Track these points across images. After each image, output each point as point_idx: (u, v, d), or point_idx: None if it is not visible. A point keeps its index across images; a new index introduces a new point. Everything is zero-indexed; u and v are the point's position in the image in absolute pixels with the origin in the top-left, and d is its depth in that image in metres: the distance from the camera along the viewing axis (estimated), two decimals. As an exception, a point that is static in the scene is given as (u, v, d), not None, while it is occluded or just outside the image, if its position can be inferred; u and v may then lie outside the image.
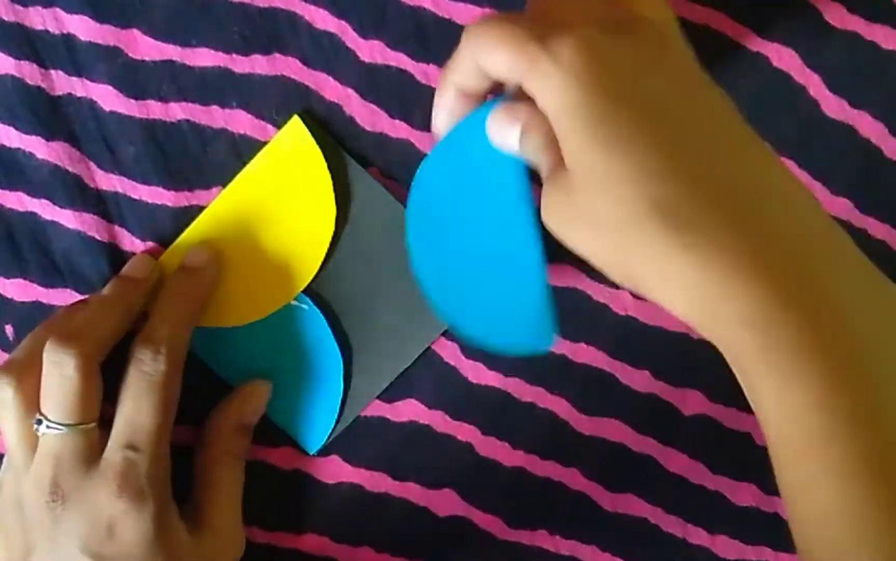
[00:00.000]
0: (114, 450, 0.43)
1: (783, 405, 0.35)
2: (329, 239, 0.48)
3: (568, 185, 0.37)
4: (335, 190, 0.47)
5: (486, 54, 0.37)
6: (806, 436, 0.34)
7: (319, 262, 0.48)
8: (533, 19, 0.37)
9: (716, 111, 0.37)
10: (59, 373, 0.42)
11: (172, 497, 0.45)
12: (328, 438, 0.49)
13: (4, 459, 0.45)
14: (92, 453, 0.43)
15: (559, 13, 0.37)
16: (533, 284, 0.42)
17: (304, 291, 0.48)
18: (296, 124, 0.47)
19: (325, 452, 0.50)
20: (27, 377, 0.43)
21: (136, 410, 0.43)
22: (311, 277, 0.48)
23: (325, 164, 0.47)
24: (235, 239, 0.47)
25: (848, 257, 0.36)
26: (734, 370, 0.36)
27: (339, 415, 0.49)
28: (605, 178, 0.35)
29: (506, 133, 0.40)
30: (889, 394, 0.34)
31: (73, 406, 0.42)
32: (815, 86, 0.49)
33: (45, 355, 0.42)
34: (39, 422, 0.43)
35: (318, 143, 0.47)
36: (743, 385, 0.36)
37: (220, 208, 0.47)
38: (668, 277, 0.35)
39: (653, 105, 0.36)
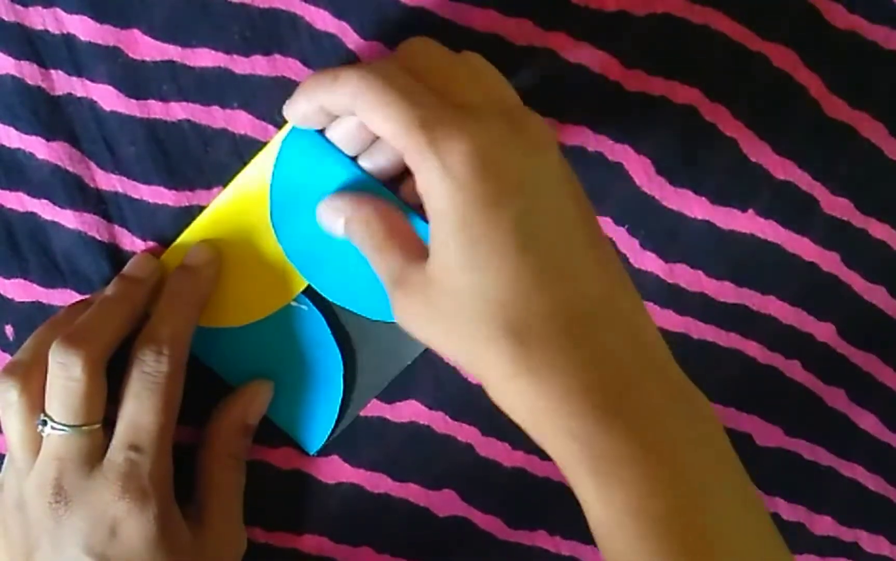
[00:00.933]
0: (116, 450, 0.43)
1: (608, 508, 0.37)
2: None
3: (426, 285, 0.38)
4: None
5: (371, 117, 0.38)
6: (628, 537, 0.37)
7: None
8: (433, 86, 0.39)
9: (585, 233, 0.39)
10: (66, 375, 0.42)
11: (174, 498, 0.45)
12: (328, 438, 0.49)
13: (6, 461, 0.45)
14: (95, 454, 0.43)
15: (462, 86, 0.39)
16: None
17: (304, 292, 0.48)
18: (294, 132, 0.47)
19: (325, 452, 0.50)
20: (32, 379, 0.43)
21: (139, 410, 0.43)
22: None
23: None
24: (235, 240, 0.47)
25: (668, 372, 0.39)
26: (566, 476, 0.38)
27: (340, 415, 0.49)
28: (470, 293, 0.37)
29: (332, 222, 0.44)
30: (703, 496, 0.38)
31: (79, 407, 0.42)
32: (815, 86, 0.49)
33: (51, 357, 0.42)
34: (45, 423, 0.42)
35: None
36: (574, 489, 0.38)
37: (220, 209, 0.47)
38: (510, 391, 0.38)
39: (529, 227, 0.37)
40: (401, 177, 0.45)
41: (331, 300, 0.47)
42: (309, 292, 0.48)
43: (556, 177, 0.39)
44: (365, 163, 0.44)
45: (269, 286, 0.47)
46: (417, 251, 0.40)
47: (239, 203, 0.47)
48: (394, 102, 0.37)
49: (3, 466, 0.46)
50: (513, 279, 0.37)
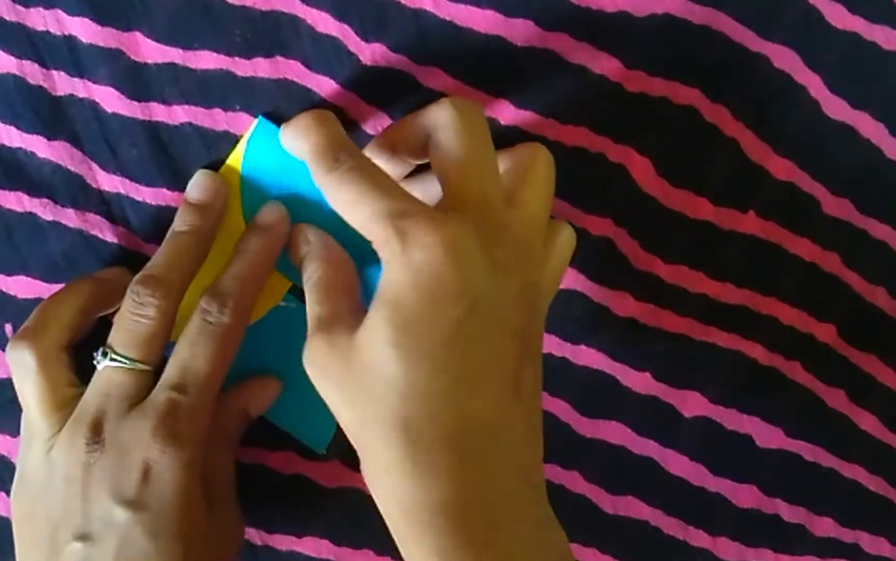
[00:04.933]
0: (161, 390, 0.43)
1: None
2: None
3: (348, 349, 0.39)
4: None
5: (342, 204, 0.39)
6: None
7: None
8: (445, 168, 0.40)
9: (512, 364, 0.39)
10: (140, 312, 0.42)
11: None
12: (334, 433, 0.49)
13: (23, 446, 0.45)
14: (139, 397, 0.43)
15: (470, 179, 0.40)
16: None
17: (290, 291, 0.48)
18: (261, 125, 0.47)
19: (325, 457, 0.50)
20: (43, 340, 0.44)
21: (192, 354, 0.43)
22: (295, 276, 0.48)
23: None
24: (215, 247, 0.47)
25: (542, 510, 0.41)
26: None
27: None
28: (383, 377, 0.37)
29: (294, 252, 0.44)
30: None
31: (142, 344, 0.43)
32: (815, 86, 0.49)
33: (128, 292, 0.43)
34: (105, 354, 0.43)
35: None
36: None
37: None
38: (386, 483, 0.38)
39: (462, 339, 0.37)
40: None
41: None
42: (295, 289, 0.47)
43: (510, 302, 0.39)
44: None
45: None
46: (353, 312, 0.40)
47: None
48: (365, 196, 0.38)
49: (21, 454, 0.45)
50: (427, 380, 0.37)
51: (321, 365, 0.39)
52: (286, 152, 0.43)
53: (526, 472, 0.40)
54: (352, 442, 0.39)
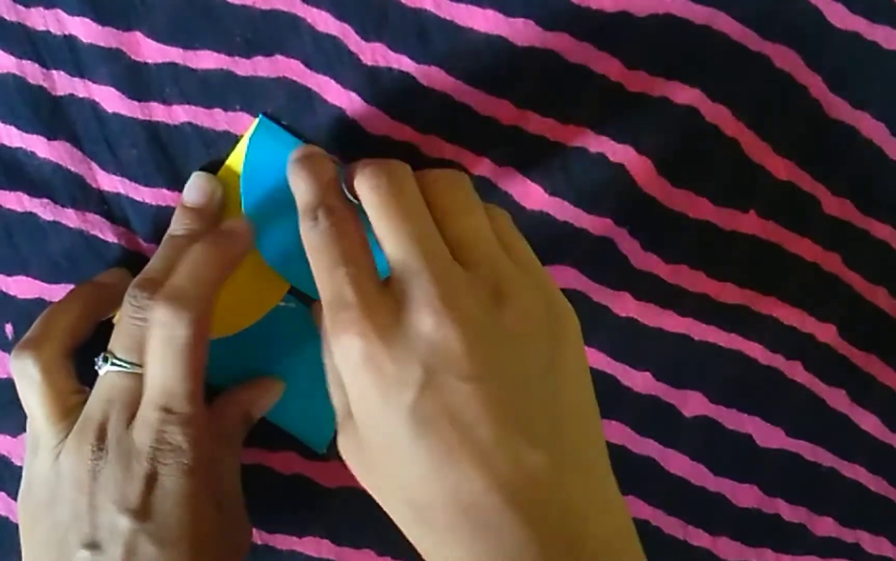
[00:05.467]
0: (147, 407, 0.42)
1: None
2: None
3: (356, 438, 0.39)
4: None
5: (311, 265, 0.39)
6: None
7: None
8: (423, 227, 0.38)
9: (490, 419, 0.36)
10: (138, 316, 0.42)
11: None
12: (334, 433, 0.49)
13: (27, 458, 0.45)
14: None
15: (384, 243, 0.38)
16: None
17: (290, 292, 0.48)
18: (262, 124, 0.47)
19: (325, 457, 0.50)
20: (45, 349, 0.44)
21: (163, 373, 0.42)
22: None
23: None
24: None
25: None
26: None
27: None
28: (382, 463, 0.37)
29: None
30: None
31: (143, 348, 0.42)
32: (816, 86, 0.49)
33: (126, 298, 0.43)
34: (105, 359, 0.43)
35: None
36: None
37: None
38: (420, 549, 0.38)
39: (422, 414, 0.36)
40: None
41: (312, 296, 0.46)
42: (295, 290, 0.48)
43: (460, 360, 0.36)
44: None
45: (255, 291, 0.47)
46: None
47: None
48: (319, 272, 0.39)
49: (27, 462, 0.45)
50: (408, 464, 0.36)
51: (344, 451, 0.40)
52: (287, 151, 0.43)
53: (564, 522, 0.36)
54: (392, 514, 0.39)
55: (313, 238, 0.39)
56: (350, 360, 0.37)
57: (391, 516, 0.39)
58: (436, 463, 0.36)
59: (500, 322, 0.37)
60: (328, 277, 0.38)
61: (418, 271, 0.37)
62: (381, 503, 0.39)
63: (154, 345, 0.42)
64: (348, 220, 0.39)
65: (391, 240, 0.38)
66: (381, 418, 0.36)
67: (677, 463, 0.52)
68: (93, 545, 0.41)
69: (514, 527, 0.35)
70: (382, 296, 0.37)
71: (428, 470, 0.36)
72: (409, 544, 0.51)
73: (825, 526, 0.53)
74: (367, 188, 0.39)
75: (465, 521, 0.36)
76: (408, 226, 0.38)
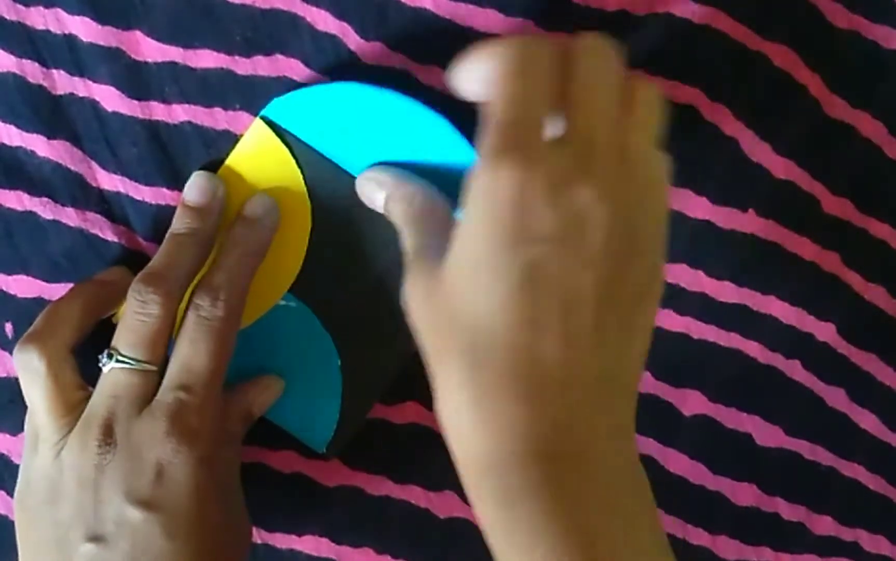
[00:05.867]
0: (166, 391, 0.43)
1: None
2: (307, 235, 0.47)
3: (432, 280, 0.38)
4: (307, 186, 0.47)
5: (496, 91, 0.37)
6: None
7: (301, 260, 0.48)
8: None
9: (596, 307, 0.37)
10: (144, 311, 0.42)
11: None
12: (334, 433, 0.49)
13: (26, 452, 0.45)
14: (147, 397, 0.43)
15: (588, 113, 0.37)
16: None
17: (290, 291, 0.48)
18: (259, 126, 0.47)
19: (326, 456, 0.50)
20: (49, 343, 0.44)
21: (192, 353, 0.43)
22: (294, 276, 0.48)
23: (294, 162, 0.47)
24: (217, 247, 0.46)
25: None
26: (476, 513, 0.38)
27: (343, 411, 0.49)
28: (461, 300, 0.36)
29: (373, 194, 0.45)
30: None
31: (147, 344, 0.43)
32: (815, 86, 0.49)
33: (130, 294, 0.43)
34: (110, 356, 0.43)
35: (284, 141, 0.47)
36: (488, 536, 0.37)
37: None
38: (453, 425, 0.37)
39: (538, 274, 0.36)
40: None
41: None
42: (294, 290, 0.48)
43: (595, 245, 0.36)
44: None
45: (255, 290, 0.46)
46: (445, 243, 0.39)
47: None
48: (508, 96, 0.37)
49: (25, 459, 0.45)
50: (496, 309, 0.36)
51: (411, 293, 0.39)
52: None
53: (611, 429, 0.37)
54: (432, 377, 0.38)
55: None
56: (496, 187, 0.35)
57: (436, 368, 0.38)
58: (523, 323, 0.36)
59: (636, 247, 0.38)
60: (510, 101, 0.36)
61: (595, 153, 0.37)
62: (429, 349, 0.38)
63: (186, 327, 0.43)
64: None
65: (581, 109, 0.37)
66: (492, 260, 0.36)
67: (676, 462, 0.52)
68: (98, 538, 0.41)
69: (561, 410, 0.36)
70: (555, 149, 0.36)
71: (509, 326, 0.36)
72: (408, 544, 0.51)
73: (824, 525, 0.53)
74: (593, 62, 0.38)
75: (518, 384, 0.36)
76: (598, 102, 0.38)
